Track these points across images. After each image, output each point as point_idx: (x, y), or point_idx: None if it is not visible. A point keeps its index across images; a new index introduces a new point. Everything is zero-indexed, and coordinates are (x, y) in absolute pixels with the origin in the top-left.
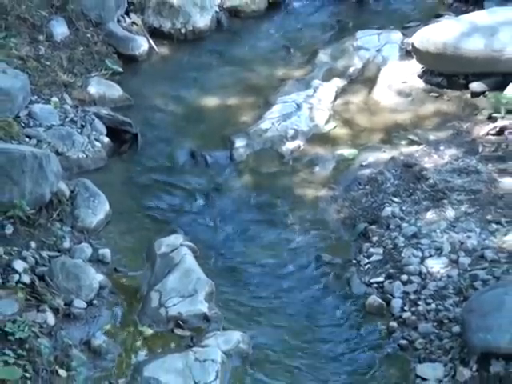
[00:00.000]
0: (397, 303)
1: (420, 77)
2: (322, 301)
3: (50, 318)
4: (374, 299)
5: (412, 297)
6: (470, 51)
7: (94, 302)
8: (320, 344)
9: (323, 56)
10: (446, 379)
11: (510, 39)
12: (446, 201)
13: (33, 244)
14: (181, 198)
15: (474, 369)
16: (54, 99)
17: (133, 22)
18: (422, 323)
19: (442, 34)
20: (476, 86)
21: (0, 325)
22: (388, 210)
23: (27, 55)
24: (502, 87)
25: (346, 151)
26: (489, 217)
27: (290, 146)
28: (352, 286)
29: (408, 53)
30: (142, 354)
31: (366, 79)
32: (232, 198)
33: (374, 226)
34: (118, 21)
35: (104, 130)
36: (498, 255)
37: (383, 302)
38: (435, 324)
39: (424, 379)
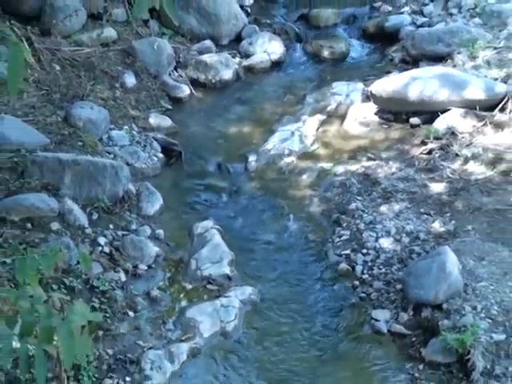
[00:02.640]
0: (359, 268)
1: (376, 114)
2: (308, 266)
3: (123, 277)
4: (344, 266)
5: (369, 264)
6: (410, 96)
7: (152, 266)
8: (306, 295)
9: (309, 99)
10: (391, 320)
11: (436, 88)
12: (392, 199)
13: (111, 226)
14: (211, 195)
15: (411, 314)
16: (126, 127)
17: (179, 75)
18: (375, 282)
19: (391, 84)
20: (414, 120)
21: (90, 281)
22: (353, 205)
23: (107, 97)
24: (431, 121)
25: (325, 164)
26: (422, 210)
27: (286, 160)
28: (328, 257)
29: (367, 97)
30: (185, 302)
31: (338, 115)
32: (246, 196)
33: (343, 216)
34: (169, 74)
35: (159, 149)
36: (428, 236)
37: (350, 268)
38: (385, 283)
39: (377, 320)
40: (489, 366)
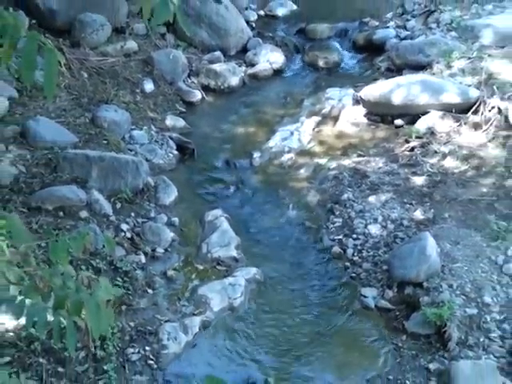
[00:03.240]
0: (350, 251)
1: (364, 116)
2: (305, 250)
3: (143, 259)
4: (336, 249)
5: (359, 248)
6: (394, 101)
7: (168, 249)
8: (304, 276)
9: (306, 102)
10: (378, 297)
11: (418, 93)
12: (379, 190)
13: (132, 214)
14: (220, 188)
15: (395, 291)
16: (145, 128)
17: (192, 82)
18: (364, 263)
19: (378, 90)
20: (398, 121)
21: (114, 262)
22: (345, 196)
23: (129, 101)
24: (413, 122)
25: (320, 160)
26: (405, 200)
27: (286, 157)
28: (323, 241)
29: (357, 101)
30: (197, 281)
31: (332, 117)
32: (251, 188)
33: (336, 205)
34: (183, 81)
35: (174, 146)
36: (410, 223)
37: (342, 251)
38: (372, 264)
39: (365, 296)
40: (463, 337)
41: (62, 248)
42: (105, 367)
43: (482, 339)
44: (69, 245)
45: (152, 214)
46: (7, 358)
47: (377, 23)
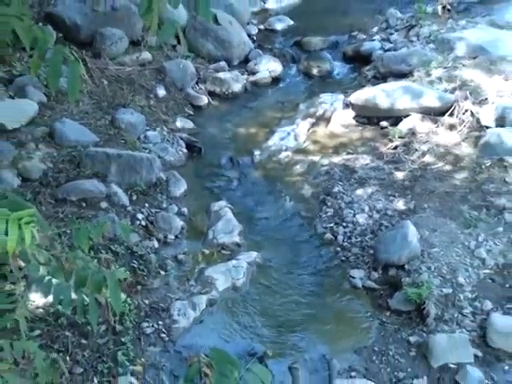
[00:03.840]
0: (340, 238)
1: (353, 118)
2: (300, 236)
3: (156, 244)
4: (328, 235)
5: (348, 234)
6: (379, 104)
7: (178, 236)
8: (299, 258)
9: (302, 106)
10: (365, 278)
11: (400, 98)
12: (366, 184)
13: (146, 205)
14: (224, 181)
15: (380, 273)
16: (158, 129)
17: (199, 88)
18: (353, 248)
19: (365, 95)
20: (383, 123)
21: (130, 247)
22: (336, 189)
23: (144, 105)
24: (396, 124)
25: (314, 157)
26: (389, 192)
27: (283, 154)
28: (316, 228)
29: (347, 105)
30: (203, 264)
31: (324, 119)
32: (252, 182)
33: (328, 197)
34: (192, 87)
35: (184, 145)
36: (393, 213)
37: (333, 237)
38: (360, 249)
39: (354, 277)
40: (439, 313)
41: (84, 234)
42: (123, 339)
43: (456, 315)
44: (89, 231)
45: (164, 205)
46: (37, 332)
47: (364, 36)
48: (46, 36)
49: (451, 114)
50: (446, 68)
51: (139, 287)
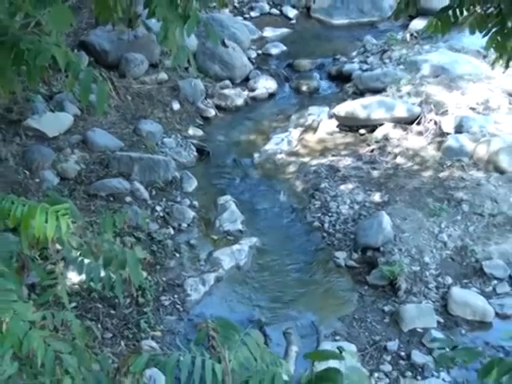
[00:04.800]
0: (326, 225)
1: (337, 127)
2: (293, 224)
3: (171, 231)
4: (316, 223)
5: (333, 223)
6: (358, 115)
7: (190, 224)
8: (292, 243)
9: (293, 117)
10: (347, 258)
11: (376, 110)
12: (348, 181)
13: (163, 199)
14: (229, 179)
15: (359, 254)
16: (173, 136)
17: (208, 102)
18: (337, 234)
19: (347, 107)
20: (362, 130)
21: (150, 234)
22: (323, 185)
23: (161, 116)
24: (372, 131)
25: (304, 159)
26: (366, 188)
27: (278, 157)
28: (306, 218)
29: (331, 116)
30: (212, 247)
31: (313, 128)
32: (253, 180)
33: (316, 192)
34: (202, 102)
35: (194, 149)
36: (371, 204)
37: (320, 225)
38: (343, 234)
39: (337, 258)
40: (409, 287)
41: (109, 222)
42: (145, 310)
43: (422, 289)
44: (114, 220)
45: (178, 199)
46: (74, 304)
47: (345, 59)
48: (79, 60)
49: (418, 123)
50: (413, 85)
51: (158, 267)
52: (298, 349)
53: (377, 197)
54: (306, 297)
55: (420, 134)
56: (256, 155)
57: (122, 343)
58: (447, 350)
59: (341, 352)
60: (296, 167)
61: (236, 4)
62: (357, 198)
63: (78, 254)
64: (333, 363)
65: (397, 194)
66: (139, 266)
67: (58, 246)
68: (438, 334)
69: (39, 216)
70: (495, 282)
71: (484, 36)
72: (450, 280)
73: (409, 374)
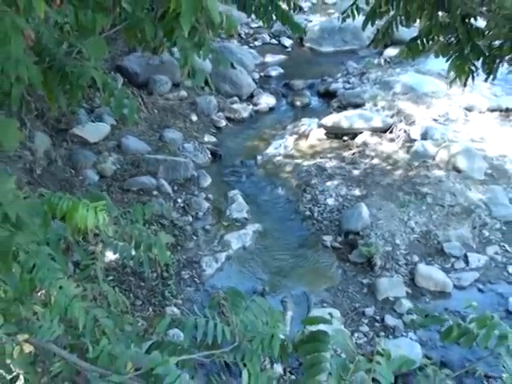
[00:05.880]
0: (315, 214)
1: (325, 135)
2: (289, 213)
3: (190, 219)
4: (307, 213)
5: (321, 212)
6: (342, 125)
7: (206, 213)
8: (288, 228)
9: (289, 127)
10: (332, 240)
11: (356, 121)
12: (333, 178)
13: (184, 193)
14: (237, 177)
15: (343, 237)
16: (192, 142)
17: (220, 115)
18: (324, 221)
19: (333, 119)
20: (345, 137)
21: (173, 221)
22: (313, 182)
23: (182, 126)
24: (354, 138)
25: (298, 161)
26: (349, 184)
27: (277, 159)
28: (299, 208)
29: (320, 126)
30: (223, 231)
31: (305, 135)
32: (256, 178)
33: (308, 187)
34: (215, 114)
35: (209, 153)
36: (352, 197)
37: (310, 214)
38: (329, 222)
39: (325, 241)
40: (383, 264)
41: (139, 212)
42: (168, 282)
43: (394, 265)
44: (143, 210)
45: (196, 193)
46: (111, 277)
47: (331, 80)
48: (113, 81)
49: (391, 132)
50: (387, 101)
51: (179, 247)
52: (292, 314)
53: (357, 191)
54: (299, 272)
55: (392, 140)
56: (259, 157)
57: (150, 309)
58: (418, 316)
59: (332, 317)
60: (291, 167)
61: (243, 36)
62: (341, 192)
63: (113, 238)
64: (321, 326)
65: (373, 188)
66: (165, 248)
67: (97, 232)
68: (407, 302)
69: (81, 210)
70: (453, 259)
71: (447, 61)
72: (416, 258)
73: (382, 334)
